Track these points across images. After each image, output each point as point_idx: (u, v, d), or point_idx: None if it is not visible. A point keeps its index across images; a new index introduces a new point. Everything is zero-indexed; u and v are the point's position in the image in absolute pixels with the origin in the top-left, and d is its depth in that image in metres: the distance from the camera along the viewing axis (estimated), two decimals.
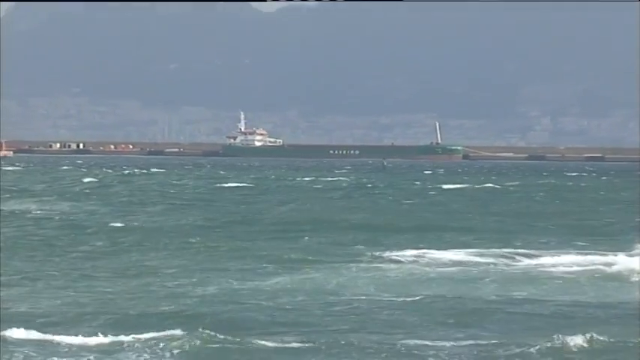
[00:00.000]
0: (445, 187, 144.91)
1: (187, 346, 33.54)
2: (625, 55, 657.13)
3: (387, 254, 57.91)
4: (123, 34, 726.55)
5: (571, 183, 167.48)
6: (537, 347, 33.81)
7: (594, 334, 34.11)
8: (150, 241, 67.23)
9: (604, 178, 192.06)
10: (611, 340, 33.76)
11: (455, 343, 34.37)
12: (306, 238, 69.80)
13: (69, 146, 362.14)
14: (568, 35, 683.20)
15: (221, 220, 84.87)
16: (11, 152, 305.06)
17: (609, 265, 53.16)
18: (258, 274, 51.50)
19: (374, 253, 57.18)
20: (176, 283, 48.19)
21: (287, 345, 33.96)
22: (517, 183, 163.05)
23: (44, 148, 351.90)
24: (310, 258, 57.04)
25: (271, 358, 32.89)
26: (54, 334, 34.66)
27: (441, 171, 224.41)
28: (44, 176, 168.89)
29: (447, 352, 33.32)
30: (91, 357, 31.97)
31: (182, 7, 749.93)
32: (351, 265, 53.63)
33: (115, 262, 55.14)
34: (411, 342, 34.45)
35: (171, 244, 65.14)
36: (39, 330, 34.49)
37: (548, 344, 34.00)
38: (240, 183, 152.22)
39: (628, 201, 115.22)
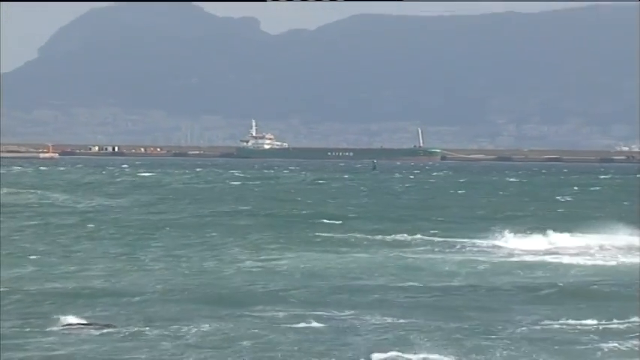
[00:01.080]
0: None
1: None
2: (578, 72, 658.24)
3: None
4: (151, 53, 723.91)
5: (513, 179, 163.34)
6: None
7: None
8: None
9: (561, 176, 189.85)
10: None
11: None
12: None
13: (106, 149, 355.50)
14: (530, 55, 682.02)
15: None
16: (57, 154, 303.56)
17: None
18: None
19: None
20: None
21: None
22: (464, 180, 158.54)
23: (85, 151, 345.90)
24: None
25: None
26: None
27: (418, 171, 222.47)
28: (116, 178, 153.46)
29: None
30: None
31: (202, 30, 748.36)
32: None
33: None
34: None
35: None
36: None
37: None
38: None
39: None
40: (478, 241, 54.83)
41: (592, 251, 51.97)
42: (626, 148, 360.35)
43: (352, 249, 51.80)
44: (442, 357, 26.06)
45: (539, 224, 64.16)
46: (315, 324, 30.17)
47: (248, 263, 45.84)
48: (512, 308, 33.55)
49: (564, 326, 30.49)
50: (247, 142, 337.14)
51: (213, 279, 40.78)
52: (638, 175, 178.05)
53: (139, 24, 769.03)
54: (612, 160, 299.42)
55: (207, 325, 29.79)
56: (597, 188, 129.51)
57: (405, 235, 58.21)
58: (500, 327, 30.00)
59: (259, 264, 45.70)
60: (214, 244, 54.14)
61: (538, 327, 30.24)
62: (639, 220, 62.97)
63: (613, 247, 53.08)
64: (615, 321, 30.85)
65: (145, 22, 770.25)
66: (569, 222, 66.23)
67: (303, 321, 30.48)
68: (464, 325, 30.38)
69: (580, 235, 57.51)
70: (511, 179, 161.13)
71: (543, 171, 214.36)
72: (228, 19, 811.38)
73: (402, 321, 30.84)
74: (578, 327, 30.21)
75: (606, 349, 26.88)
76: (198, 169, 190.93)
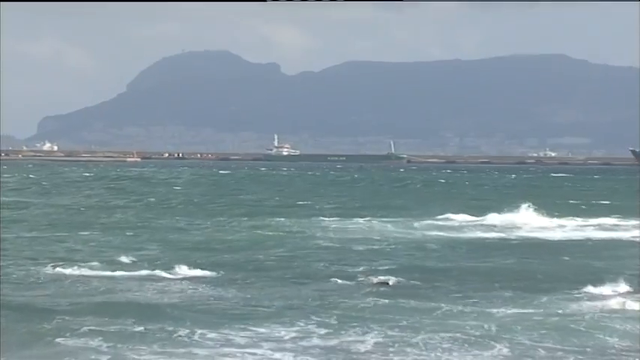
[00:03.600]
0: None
1: None
2: (503, 102, 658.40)
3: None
4: (205, 88, 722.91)
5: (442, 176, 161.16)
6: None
7: None
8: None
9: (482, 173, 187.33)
10: None
11: None
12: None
13: (173, 155, 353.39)
14: (469, 90, 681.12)
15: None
16: (139, 159, 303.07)
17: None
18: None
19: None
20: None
21: None
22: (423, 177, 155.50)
23: (159, 157, 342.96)
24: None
25: None
26: None
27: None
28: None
29: None
30: None
31: (240, 72, 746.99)
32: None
33: None
34: None
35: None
36: None
37: None
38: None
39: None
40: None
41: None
42: (535, 154, 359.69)
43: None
44: None
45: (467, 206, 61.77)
46: None
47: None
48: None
49: None
50: (271, 150, 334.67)
51: None
52: (523, 175, 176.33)
53: (196, 67, 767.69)
54: (525, 163, 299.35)
55: None
56: (512, 176, 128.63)
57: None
58: None
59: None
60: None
61: None
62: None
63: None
64: None
65: (201, 66, 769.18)
66: (479, 207, 63.54)
67: None
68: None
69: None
70: (457, 174, 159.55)
71: (485, 171, 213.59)
72: (258, 64, 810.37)
73: None
74: None
75: None
76: (245, 169, 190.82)
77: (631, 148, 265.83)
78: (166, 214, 55.40)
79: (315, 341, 19.33)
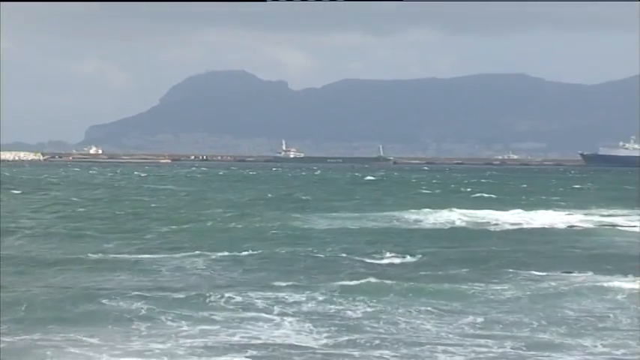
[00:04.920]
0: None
1: None
2: (475, 113, 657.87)
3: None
4: (224, 102, 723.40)
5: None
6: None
7: None
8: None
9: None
10: None
11: None
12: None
13: (198, 157, 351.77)
14: (446, 103, 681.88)
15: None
16: (170, 160, 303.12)
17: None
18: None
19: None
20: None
21: None
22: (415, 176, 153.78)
23: (186, 159, 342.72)
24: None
25: None
26: None
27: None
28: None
29: None
30: None
31: (254, 87, 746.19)
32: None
33: None
34: None
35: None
36: None
37: None
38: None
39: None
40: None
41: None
42: (500, 157, 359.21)
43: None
44: None
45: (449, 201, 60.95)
46: None
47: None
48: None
49: None
50: (280, 153, 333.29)
51: None
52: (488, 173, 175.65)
53: (217, 84, 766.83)
54: (492, 164, 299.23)
55: None
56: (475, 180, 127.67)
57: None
58: None
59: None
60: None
61: None
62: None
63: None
64: None
65: (221, 84, 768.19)
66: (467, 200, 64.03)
67: None
68: None
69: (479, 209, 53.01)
70: (437, 175, 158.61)
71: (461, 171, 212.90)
72: (269, 81, 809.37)
73: None
74: None
75: None
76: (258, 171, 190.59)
77: (580, 152, 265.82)
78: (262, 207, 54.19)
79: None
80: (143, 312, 18.08)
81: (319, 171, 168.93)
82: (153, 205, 53.31)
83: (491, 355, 15.08)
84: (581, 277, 23.71)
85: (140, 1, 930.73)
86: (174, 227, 38.00)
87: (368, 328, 17.03)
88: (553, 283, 22.51)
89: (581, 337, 16.45)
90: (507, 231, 38.71)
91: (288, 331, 16.62)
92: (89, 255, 27.56)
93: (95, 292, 20.34)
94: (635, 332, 16.82)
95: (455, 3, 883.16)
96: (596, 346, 15.69)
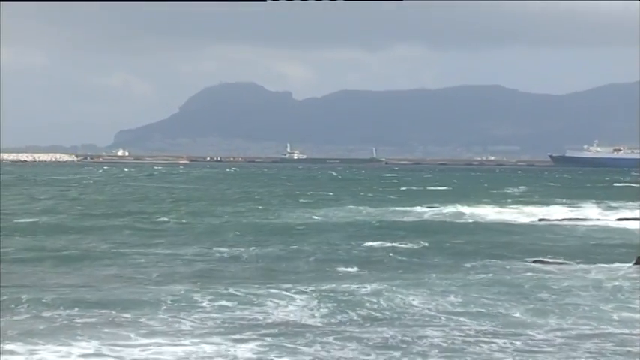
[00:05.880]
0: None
1: None
2: (457, 120, 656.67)
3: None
4: (236, 110, 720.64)
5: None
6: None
7: None
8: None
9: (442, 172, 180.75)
10: None
11: None
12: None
13: (213, 159, 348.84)
14: (432, 112, 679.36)
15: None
16: (188, 161, 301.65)
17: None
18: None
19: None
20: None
21: None
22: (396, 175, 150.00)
23: (203, 160, 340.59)
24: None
25: None
26: None
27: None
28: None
29: None
30: None
31: (262, 98, 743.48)
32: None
33: None
34: None
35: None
36: None
37: None
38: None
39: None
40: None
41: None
42: (479, 158, 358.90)
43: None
44: None
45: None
46: None
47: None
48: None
49: None
50: (285, 155, 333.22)
51: None
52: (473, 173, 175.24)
53: (230, 94, 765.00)
54: (472, 164, 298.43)
55: None
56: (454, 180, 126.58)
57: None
58: None
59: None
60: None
61: None
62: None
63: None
64: None
65: (233, 94, 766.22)
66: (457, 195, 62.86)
67: None
68: None
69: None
70: (427, 175, 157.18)
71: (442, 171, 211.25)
72: (275, 92, 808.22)
73: None
74: None
75: None
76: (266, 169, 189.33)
77: (549, 154, 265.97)
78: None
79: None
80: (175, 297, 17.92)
81: (340, 168, 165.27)
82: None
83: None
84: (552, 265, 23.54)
85: (159, 19, 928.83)
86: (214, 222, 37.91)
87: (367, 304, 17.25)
88: (528, 273, 22.53)
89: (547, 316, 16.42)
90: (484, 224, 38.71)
91: (294, 310, 16.71)
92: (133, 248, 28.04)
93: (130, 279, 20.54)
94: (596, 312, 16.99)
95: (437, 22, 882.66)
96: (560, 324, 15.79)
